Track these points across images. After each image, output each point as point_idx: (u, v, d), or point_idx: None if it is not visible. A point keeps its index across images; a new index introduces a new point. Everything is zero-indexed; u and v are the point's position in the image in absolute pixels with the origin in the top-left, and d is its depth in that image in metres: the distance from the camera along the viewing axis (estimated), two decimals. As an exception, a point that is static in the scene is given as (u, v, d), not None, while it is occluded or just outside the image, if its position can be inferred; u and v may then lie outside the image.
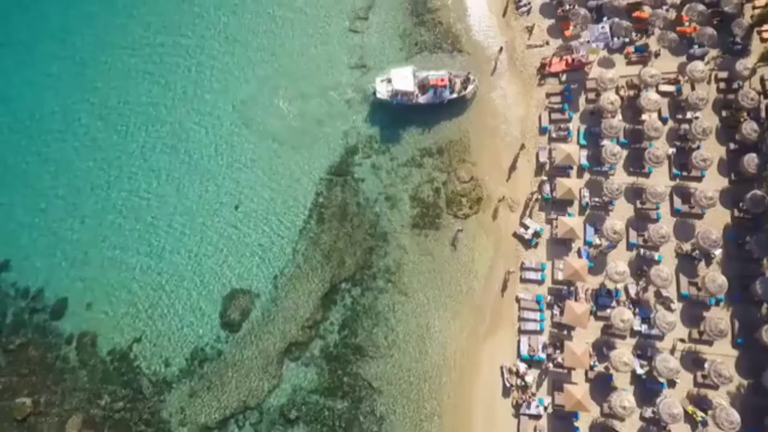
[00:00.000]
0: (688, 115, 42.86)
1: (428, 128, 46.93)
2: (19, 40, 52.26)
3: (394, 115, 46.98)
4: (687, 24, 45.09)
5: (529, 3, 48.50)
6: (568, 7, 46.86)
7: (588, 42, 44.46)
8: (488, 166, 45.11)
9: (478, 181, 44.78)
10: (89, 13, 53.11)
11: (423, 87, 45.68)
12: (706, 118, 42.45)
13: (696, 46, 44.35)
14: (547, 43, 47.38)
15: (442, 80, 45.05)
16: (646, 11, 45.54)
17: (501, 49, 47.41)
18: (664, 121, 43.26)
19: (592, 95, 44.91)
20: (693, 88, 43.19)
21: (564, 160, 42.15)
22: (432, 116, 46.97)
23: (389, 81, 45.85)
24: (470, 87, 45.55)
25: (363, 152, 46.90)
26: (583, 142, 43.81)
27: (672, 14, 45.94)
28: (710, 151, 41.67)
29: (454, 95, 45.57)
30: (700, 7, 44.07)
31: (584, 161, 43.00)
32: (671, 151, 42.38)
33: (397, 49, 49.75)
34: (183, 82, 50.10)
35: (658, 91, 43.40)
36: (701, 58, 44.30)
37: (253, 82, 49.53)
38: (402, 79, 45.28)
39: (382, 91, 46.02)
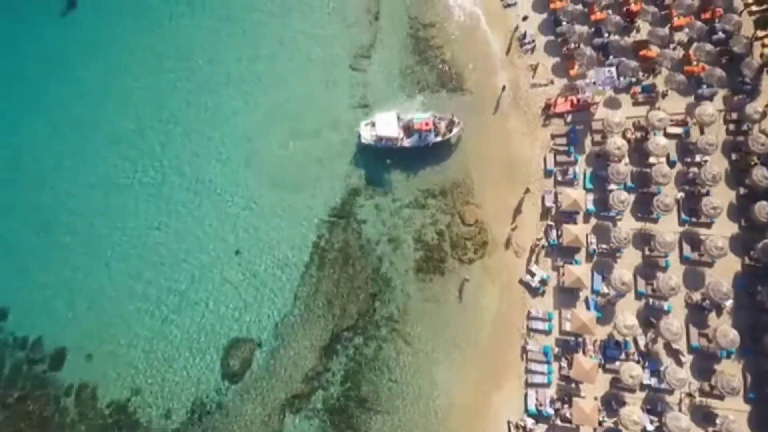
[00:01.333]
0: (697, 158, 42.01)
1: (431, 169, 46.21)
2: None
3: (396, 156, 46.22)
4: (695, 63, 44.28)
5: (533, 41, 47.68)
6: (573, 45, 46.07)
7: (594, 83, 43.61)
8: (493, 209, 44.33)
9: (482, 224, 44.02)
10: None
11: (408, 129, 45.05)
12: (716, 161, 41.59)
13: (704, 86, 43.43)
14: (552, 82, 46.59)
15: (427, 124, 44.42)
16: (654, 51, 44.71)
17: (504, 87, 46.63)
18: (672, 164, 42.41)
19: (598, 137, 44.07)
20: (702, 132, 42.34)
21: (570, 206, 41.40)
22: (434, 157, 46.24)
23: (373, 125, 45.28)
24: (455, 130, 44.92)
25: (365, 193, 46.23)
26: (589, 186, 43.00)
27: (679, 53, 45.11)
28: (720, 194, 40.76)
29: (439, 138, 44.91)
30: (709, 47, 43.21)
31: (591, 206, 42.19)
32: (680, 195, 41.50)
33: (399, 87, 49.01)
34: (182, 122, 49.44)
35: (665, 134, 42.64)
36: (710, 98, 43.44)
37: (253, 121, 48.90)
38: (386, 124, 44.80)
39: (367, 136, 45.41)
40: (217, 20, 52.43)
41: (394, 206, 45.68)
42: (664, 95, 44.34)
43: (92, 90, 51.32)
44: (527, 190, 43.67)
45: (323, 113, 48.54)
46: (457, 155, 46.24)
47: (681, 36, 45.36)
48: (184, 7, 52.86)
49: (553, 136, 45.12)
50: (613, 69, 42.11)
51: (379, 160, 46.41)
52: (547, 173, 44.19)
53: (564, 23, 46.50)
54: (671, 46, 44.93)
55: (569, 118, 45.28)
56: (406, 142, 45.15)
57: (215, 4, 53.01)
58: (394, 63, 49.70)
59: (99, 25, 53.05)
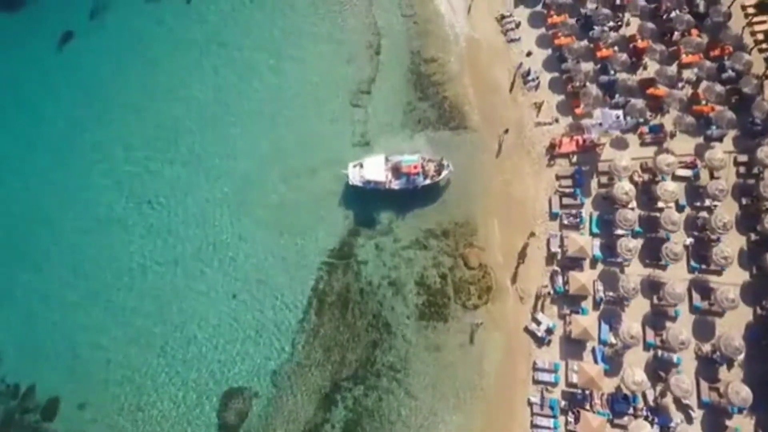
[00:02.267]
0: (707, 202, 40.90)
1: (433, 208, 45.15)
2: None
3: (397, 195, 45.13)
4: (704, 103, 43.20)
5: (538, 77, 46.62)
6: (578, 84, 45.01)
7: (600, 125, 42.51)
8: (497, 252, 43.20)
9: (486, 267, 42.87)
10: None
11: (397, 171, 44.06)
12: (726, 205, 40.49)
13: (714, 127, 42.39)
14: (557, 120, 45.49)
15: (415, 167, 43.48)
16: (661, 89, 43.64)
17: (506, 131, 45.56)
18: (680, 208, 41.28)
19: (604, 179, 42.92)
20: (711, 175, 41.23)
21: (576, 252, 40.28)
22: (436, 196, 45.25)
23: (362, 166, 44.35)
24: (444, 173, 43.95)
25: (365, 233, 45.13)
26: (595, 230, 41.86)
27: (688, 91, 44.04)
28: (730, 241, 39.65)
29: (428, 181, 43.94)
30: (718, 87, 42.10)
31: (597, 252, 41.01)
32: (689, 241, 40.32)
33: (401, 124, 47.90)
34: (176, 160, 48.47)
35: (674, 176, 41.54)
36: (719, 139, 42.42)
37: (250, 160, 47.87)
38: (373, 167, 43.89)
39: (355, 177, 44.38)
40: (213, 55, 51.45)
41: (396, 246, 44.55)
42: (672, 135, 43.25)
43: (85, 125, 50.45)
44: (532, 234, 42.57)
45: (323, 151, 47.42)
46: (459, 194, 45.14)
47: (689, 74, 44.33)
48: (181, 42, 51.82)
49: (558, 177, 44.02)
50: (621, 113, 41.04)
51: (379, 199, 45.30)
52: (553, 216, 43.06)
53: (569, 60, 45.42)
54: (679, 84, 43.86)
55: (574, 159, 44.18)
56: (395, 185, 44.18)
57: (210, 39, 51.96)
58: (395, 99, 48.64)
59: (94, 58, 52.22)
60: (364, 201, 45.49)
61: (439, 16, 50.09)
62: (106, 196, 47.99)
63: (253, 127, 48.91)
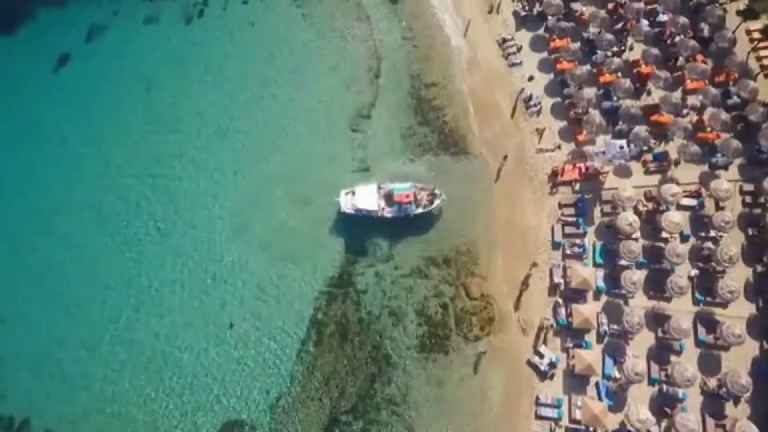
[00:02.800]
0: (712, 233, 40.21)
1: (434, 235, 44.40)
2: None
3: (397, 222, 44.36)
4: (709, 130, 42.58)
5: (539, 103, 45.98)
6: (580, 110, 44.35)
7: (603, 153, 41.80)
8: (499, 282, 42.45)
9: (488, 298, 42.09)
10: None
11: (389, 198, 43.46)
12: (731, 236, 39.82)
13: (719, 155, 41.74)
14: (559, 147, 44.83)
15: (407, 196, 42.84)
16: (666, 117, 42.99)
17: (506, 157, 44.94)
18: (685, 239, 40.63)
19: (607, 208, 42.28)
20: (717, 205, 40.56)
21: (580, 285, 39.57)
22: (437, 223, 44.55)
23: (353, 194, 43.81)
24: (437, 202, 43.30)
25: (365, 261, 44.31)
26: (599, 260, 41.15)
27: (692, 117, 43.41)
28: (736, 272, 38.97)
29: (420, 210, 43.33)
30: (723, 115, 41.47)
31: (601, 283, 40.30)
32: (694, 273, 39.64)
33: (400, 149, 47.12)
34: (169, 187, 47.54)
35: (678, 206, 40.85)
36: (724, 167, 41.80)
37: (246, 186, 46.93)
38: (365, 196, 43.37)
39: (347, 205, 43.72)
40: (212, 78, 50.82)
41: (396, 275, 43.79)
42: (676, 163, 42.62)
43: (83, 147, 49.71)
44: (534, 264, 41.85)
45: (322, 177, 46.42)
46: (461, 221, 44.40)
47: (694, 100, 43.73)
48: (179, 65, 51.21)
49: (560, 205, 43.31)
50: (624, 142, 40.39)
51: (379, 225, 44.58)
52: (555, 245, 42.35)
53: (571, 86, 44.77)
54: (684, 111, 43.21)
55: (577, 187, 43.51)
56: (387, 213, 43.54)
57: (209, 62, 51.36)
58: (395, 124, 47.92)
59: (91, 80, 51.49)
60: (364, 228, 44.68)
61: (439, 40, 49.42)
62: (102, 221, 47.10)
63: (252, 152, 48.11)
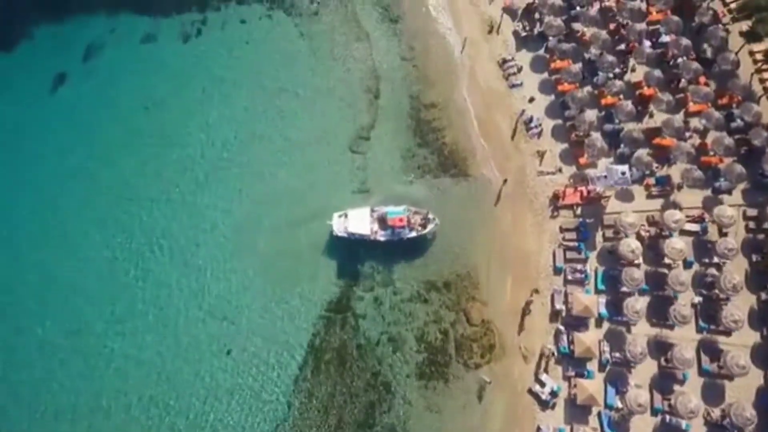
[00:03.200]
0: (715, 259, 39.68)
1: (433, 259, 44.03)
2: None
3: (397, 244, 43.93)
4: (712, 153, 42.08)
5: (540, 125, 45.45)
6: (581, 132, 43.84)
7: (605, 177, 41.24)
8: (500, 308, 41.96)
9: (489, 324, 41.65)
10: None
11: (382, 222, 43.04)
12: (735, 262, 39.32)
13: (722, 180, 41.24)
14: (560, 170, 44.31)
15: (401, 220, 42.52)
16: (668, 140, 42.48)
17: (505, 181, 44.51)
18: (688, 265, 40.12)
19: (609, 232, 41.79)
20: (720, 232, 40.04)
21: (581, 312, 39.09)
22: (437, 246, 44.15)
23: (346, 216, 43.38)
24: (430, 226, 42.88)
25: (364, 284, 43.86)
26: (601, 286, 40.62)
27: (695, 140, 42.89)
28: (740, 300, 38.50)
29: (413, 234, 42.89)
30: (727, 140, 40.96)
31: (603, 310, 39.76)
32: (697, 300, 39.15)
33: (400, 171, 46.62)
34: (173, 206, 47.13)
35: (681, 231, 40.32)
36: (728, 192, 41.33)
37: (245, 208, 46.36)
38: (358, 220, 42.98)
39: (339, 228, 43.25)
40: (210, 97, 50.30)
41: (395, 299, 43.35)
42: (679, 187, 42.11)
43: (78, 168, 48.92)
44: (536, 291, 41.29)
45: (321, 199, 45.86)
46: (461, 245, 44.00)
47: (697, 123, 43.19)
48: (177, 84, 50.65)
49: (562, 230, 42.78)
50: (626, 168, 39.83)
51: (378, 249, 44.08)
52: (557, 270, 41.83)
53: (572, 108, 44.27)
54: (687, 134, 42.67)
55: (579, 211, 42.98)
56: (380, 236, 43.13)
57: (207, 81, 50.83)
58: (394, 145, 47.39)
59: (88, 101, 50.85)
60: (363, 250, 44.21)
61: (439, 60, 48.89)
62: (97, 245, 46.45)
63: (251, 173, 47.48)
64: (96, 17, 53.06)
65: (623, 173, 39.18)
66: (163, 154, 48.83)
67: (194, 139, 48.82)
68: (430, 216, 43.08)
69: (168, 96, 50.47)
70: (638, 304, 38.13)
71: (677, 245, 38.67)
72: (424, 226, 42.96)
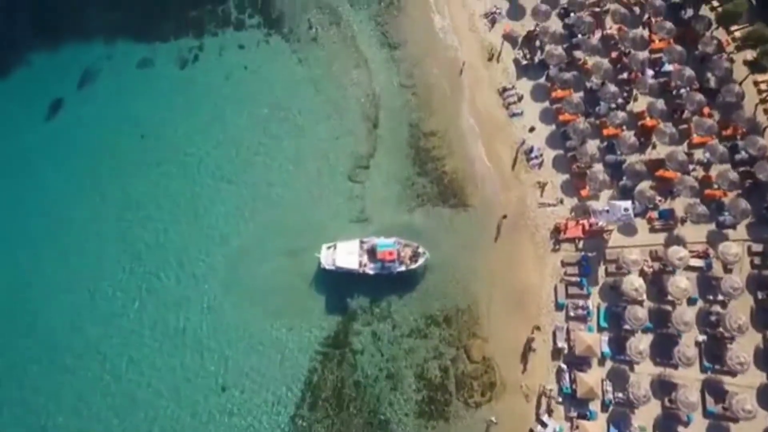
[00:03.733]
0: (720, 296, 38.93)
1: (433, 292, 43.33)
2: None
3: (396, 276, 43.32)
4: (716, 187, 41.37)
5: (541, 155, 44.74)
6: (583, 164, 43.12)
7: (607, 212, 40.43)
8: (501, 345, 41.18)
9: (490, 361, 40.90)
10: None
11: (372, 253, 42.33)
12: (740, 300, 38.55)
13: (726, 214, 40.52)
14: (561, 201, 43.60)
15: (390, 254, 41.76)
16: (671, 173, 41.78)
17: (505, 216, 43.76)
18: (692, 302, 39.37)
19: (612, 267, 41.07)
20: (725, 268, 39.31)
21: (584, 352, 38.34)
22: (436, 279, 43.45)
23: (335, 248, 42.69)
24: (420, 261, 42.21)
25: (362, 318, 43.21)
26: (603, 324, 39.89)
27: (699, 173, 42.16)
28: (746, 339, 37.71)
29: (403, 268, 42.18)
30: (731, 174, 40.23)
31: (606, 348, 38.97)
32: (702, 338, 38.40)
33: (399, 200, 45.86)
34: (166, 237, 46.56)
35: (686, 267, 39.59)
36: (732, 227, 40.58)
37: (242, 237, 45.72)
38: (346, 254, 42.24)
39: (328, 260, 42.46)
40: (207, 125, 49.69)
41: (394, 334, 42.67)
42: (682, 221, 41.37)
43: (73, 197, 48.54)
44: (537, 328, 40.54)
45: (319, 229, 45.12)
46: (462, 277, 43.28)
47: (700, 155, 42.44)
48: (173, 111, 50.10)
49: (563, 264, 42.07)
50: (629, 204, 39.07)
51: (377, 281, 43.40)
52: (559, 306, 41.09)
53: (574, 140, 43.59)
54: (690, 166, 41.92)
55: (581, 244, 42.28)
56: (369, 269, 42.39)
57: (205, 108, 50.25)
58: (393, 174, 46.66)
59: (84, 128, 50.28)
60: (362, 283, 43.49)
61: (438, 88, 48.23)
62: (92, 277, 45.94)
63: (246, 203, 46.91)
64: (93, 43, 52.54)
65: (626, 209, 38.43)
66: (159, 182, 48.30)
67: (190, 168, 48.23)
68: (420, 250, 42.38)
69: (164, 123, 49.96)
70: (641, 344, 37.40)
71: (681, 284, 37.92)
72: (414, 260, 42.24)
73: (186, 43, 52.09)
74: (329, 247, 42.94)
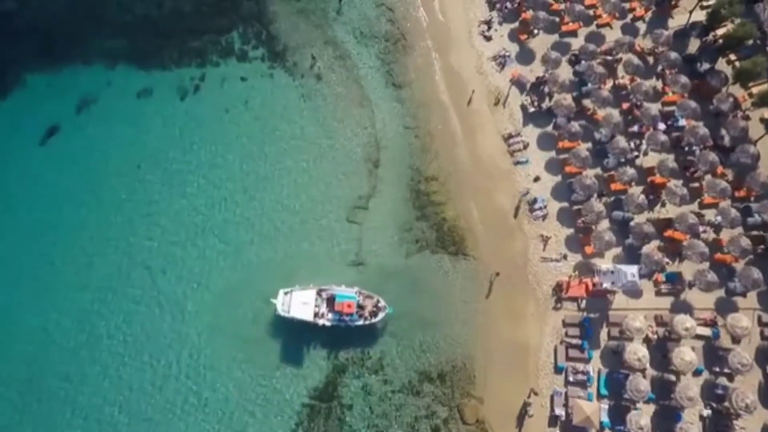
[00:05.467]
0: (726, 369, 37.15)
1: (429, 346, 41.78)
2: None
3: (391, 325, 41.95)
4: (726, 251, 39.70)
5: (545, 206, 43.20)
6: (589, 220, 41.52)
7: (612, 273, 38.86)
8: (496, 407, 39.57)
9: (484, 424, 39.29)
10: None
11: (331, 303, 40.76)
12: (749, 375, 36.81)
13: (736, 281, 38.84)
14: (565, 257, 42.03)
15: (349, 305, 40.14)
16: (681, 234, 40.14)
17: (497, 273, 42.33)
18: (697, 373, 37.61)
19: (615, 331, 39.39)
20: (734, 340, 37.58)
21: (582, 422, 36.62)
22: (431, 332, 41.91)
23: (291, 295, 41.09)
24: (380, 315, 40.58)
25: (352, 370, 41.64)
26: (604, 391, 38.18)
27: (709, 235, 40.52)
28: (754, 419, 35.90)
29: (362, 322, 40.57)
30: (744, 242, 38.49)
31: (605, 418, 37.19)
32: (706, 413, 36.63)
33: (397, 243, 44.56)
34: (154, 275, 45.13)
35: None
36: (742, 294, 38.90)
37: (228, 281, 44.12)
38: (301, 304, 40.55)
39: (284, 307, 40.61)
40: (204, 157, 48.49)
41: (385, 390, 41.07)
42: (690, 285, 39.72)
43: (65, 225, 47.17)
44: (535, 393, 38.84)
45: (315, 272, 43.62)
46: (458, 331, 41.81)
47: (711, 216, 40.84)
48: (171, 143, 48.86)
49: (564, 324, 40.45)
50: (636, 270, 37.51)
51: (368, 330, 42.01)
52: (558, 369, 39.42)
53: (580, 195, 42.05)
54: (701, 228, 40.23)
55: (583, 304, 40.67)
56: (326, 321, 40.69)
57: (202, 138, 49.05)
58: (392, 217, 45.29)
59: (80, 155, 49.07)
60: (355, 332, 41.90)
61: (442, 131, 46.91)
62: (77, 314, 44.48)
63: (238, 241, 45.49)
64: (93, 68, 51.24)
65: (632, 276, 36.86)
66: (154, 215, 46.99)
67: (184, 202, 46.91)
68: (382, 303, 40.83)
69: (161, 154, 48.57)
70: (642, 419, 35.57)
71: (686, 356, 36.17)
72: (374, 315, 40.64)
73: (187, 72, 50.76)
74: (287, 293, 41.20)
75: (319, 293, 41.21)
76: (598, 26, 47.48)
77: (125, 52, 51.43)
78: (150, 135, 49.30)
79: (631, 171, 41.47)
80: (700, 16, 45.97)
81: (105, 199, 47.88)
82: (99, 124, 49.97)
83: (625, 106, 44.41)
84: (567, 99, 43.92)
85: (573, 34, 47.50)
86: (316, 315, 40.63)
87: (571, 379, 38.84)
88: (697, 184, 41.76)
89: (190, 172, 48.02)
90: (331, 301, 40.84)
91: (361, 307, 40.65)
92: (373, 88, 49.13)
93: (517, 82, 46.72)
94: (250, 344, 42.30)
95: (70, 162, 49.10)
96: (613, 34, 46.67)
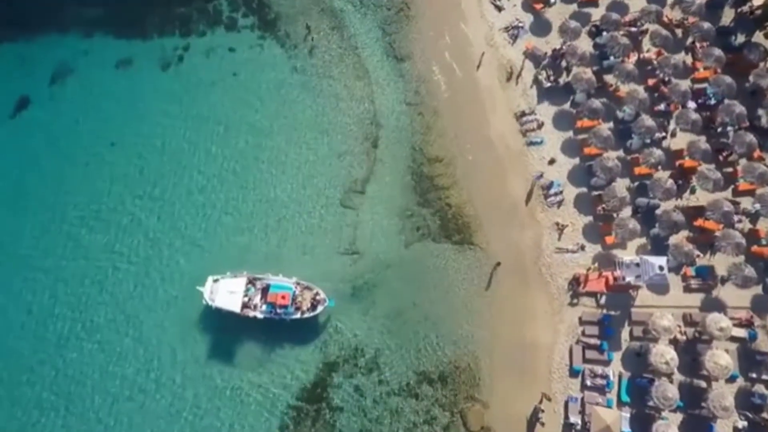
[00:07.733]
0: (764, 375, 33.04)
1: (429, 344, 37.77)
2: None
3: (392, 320, 38.05)
4: (765, 243, 35.56)
5: (561, 192, 39.07)
6: (609, 207, 37.28)
7: (637, 266, 34.63)
8: (503, 413, 35.40)
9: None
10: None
11: (264, 294, 37.19)
12: (790, 382, 32.72)
13: (776, 277, 34.74)
14: (582, 248, 37.81)
15: (283, 297, 36.49)
16: (713, 223, 35.95)
17: (498, 263, 38.42)
18: (732, 379, 33.45)
19: (638, 330, 35.24)
20: (773, 343, 33.46)
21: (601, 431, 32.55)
22: (435, 330, 37.90)
23: (219, 283, 37.41)
24: (319, 308, 36.97)
25: (345, 369, 37.66)
26: (625, 397, 34.04)
27: (745, 225, 36.35)
28: (795, 429, 31.85)
29: (298, 315, 36.91)
30: (786, 232, 34.37)
31: (626, 427, 33.15)
32: (741, 424, 32.51)
33: (397, 232, 40.59)
34: (133, 260, 41.30)
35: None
36: (783, 291, 34.75)
37: (216, 264, 39.41)
38: (228, 293, 36.86)
39: (212, 296, 37.00)
40: (187, 132, 44.35)
41: (380, 391, 37.06)
42: (723, 281, 35.53)
43: (27, 208, 43.27)
44: (548, 398, 34.71)
45: (304, 263, 39.54)
46: (462, 329, 37.72)
47: (747, 204, 36.65)
48: (151, 116, 44.85)
49: (582, 322, 36.28)
50: (665, 262, 33.33)
51: (364, 324, 38.13)
52: (573, 372, 35.26)
53: (600, 178, 37.84)
54: (736, 217, 36.02)
55: (603, 300, 36.52)
56: (258, 312, 36.98)
57: (185, 113, 44.92)
58: (391, 202, 41.20)
59: (50, 129, 45.12)
60: (348, 326, 38.20)
61: (448, 109, 42.72)
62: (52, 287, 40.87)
63: (224, 228, 41.36)
64: (69, 37, 47.35)
65: (661, 268, 32.67)
66: (127, 197, 42.86)
67: (163, 182, 42.86)
68: (321, 296, 37.12)
69: (138, 130, 44.57)
70: (670, 429, 31.49)
71: (721, 360, 32.01)
72: (313, 307, 36.93)
73: (171, 42, 46.75)
74: (216, 280, 37.44)
75: (252, 282, 37.62)
76: (622, -6, 43.33)
77: (103, 18, 47.60)
78: (128, 109, 45.28)
79: (657, 153, 37.18)
80: (735, -16, 41.83)
81: (71, 177, 43.83)
82: (73, 97, 46.14)
83: (651, 82, 40.12)
84: (587, 73, 39.63)
85: (594, 2, 43.08)
86: (245, 306, 36.86)
87: (588, 383, 34.66)
88: (731, 169, 37.50)
89: (164, 154, 43.85)
90: (265, 291, 37.08)
91: (297, 299, 36.94)
92: (373, 60, 44.89)
93: (532, 55, 42.40)
94: (234, 339, 38.11)
95: (42, 138, 45.16)
96: (638, 3, 42.22)
